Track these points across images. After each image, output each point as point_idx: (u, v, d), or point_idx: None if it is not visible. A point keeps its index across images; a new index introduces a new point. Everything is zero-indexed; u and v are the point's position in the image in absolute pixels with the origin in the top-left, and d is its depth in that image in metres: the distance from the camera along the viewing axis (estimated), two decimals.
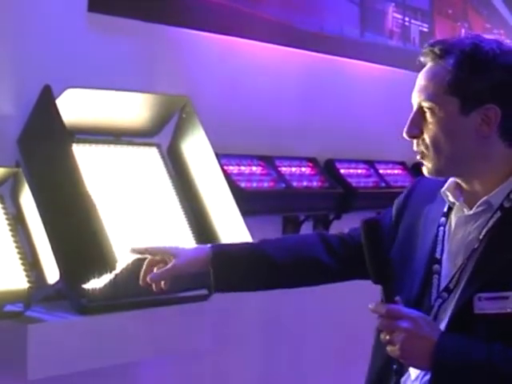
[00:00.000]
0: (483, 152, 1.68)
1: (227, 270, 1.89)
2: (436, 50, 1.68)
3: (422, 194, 1.86)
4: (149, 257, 1.90)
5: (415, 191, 1.89)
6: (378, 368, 1.77)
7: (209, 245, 1.94)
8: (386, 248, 1.64)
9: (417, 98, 1.70)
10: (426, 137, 1.68)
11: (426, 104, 1.67)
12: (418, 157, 1.72)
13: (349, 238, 1.96)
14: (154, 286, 1.88)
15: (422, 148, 1.69)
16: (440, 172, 1.71)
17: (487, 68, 1.65)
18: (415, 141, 1.71)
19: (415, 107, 1.71)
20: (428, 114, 1.67)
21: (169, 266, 1.87)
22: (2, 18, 2.48)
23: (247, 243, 2.02)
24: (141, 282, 1.89)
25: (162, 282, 1.88)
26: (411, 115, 1.71)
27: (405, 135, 1.71)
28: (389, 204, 1.98)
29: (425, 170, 1.72)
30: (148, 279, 1.87)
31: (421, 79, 1.70)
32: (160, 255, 1.90)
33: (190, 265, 1.89)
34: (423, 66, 1.72)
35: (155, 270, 1.88)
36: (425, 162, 1.71)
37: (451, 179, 1.76)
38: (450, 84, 1.65)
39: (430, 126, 1.67)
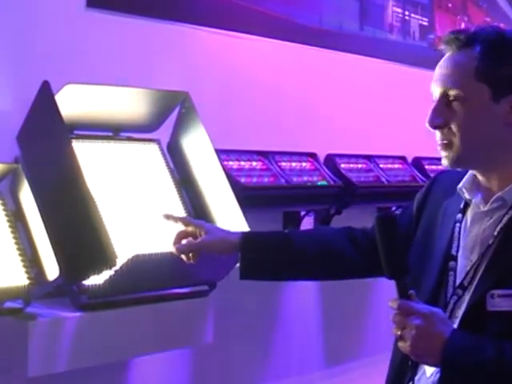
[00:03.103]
0: (506, 142, 1.65)
1: (256, 255, 1.89)
2: (462, 37, 1.64)
3: (441, 189, 1.83)
4: (182, 227, 1.92)
5: (435, 186, 1.86)
6: (396, 363, 1.75)
7: (240, 230, 1.95)
8: (399, 244, 1.60)
9: (440, 88, 1.65)
10: (454, 125, 1.63)
11: (453, 92, 1.63)
12: (440, 147, 1.67)
13: (371, 231, 1.93)
14: (184, 257, 1.91)
15: (451, 137, 1.64)
16: (462, 161, 1.67)
17: None
18: (439, 131, 1.66)
19: (437, 96, 1.66)
20: (456, 102, 1.63)
21: (198, 240, 1.89)
22: (1, 14, 2.47)
23: (278, 232, 2.01)
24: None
25: (191, 254, 1.90)
26: (434, 105, 1.66)
27: (428, 126, 1.66)
28: (388, 199, 1.96)
29: (446, 161, 1.67)
30: (175, 249, 1.88)
31: (444, 67, 1.66)
32: (192, 227, 1.92)
33: (219, 243, 1.91)
34: (441, 55, 1.68)
35: (183, 242, 1.91)
36: (446, 153, 1.66)
37: (468, 175, 1.73)
38: (478, 71, 1.62)
39: (459, 114, 1.63)
